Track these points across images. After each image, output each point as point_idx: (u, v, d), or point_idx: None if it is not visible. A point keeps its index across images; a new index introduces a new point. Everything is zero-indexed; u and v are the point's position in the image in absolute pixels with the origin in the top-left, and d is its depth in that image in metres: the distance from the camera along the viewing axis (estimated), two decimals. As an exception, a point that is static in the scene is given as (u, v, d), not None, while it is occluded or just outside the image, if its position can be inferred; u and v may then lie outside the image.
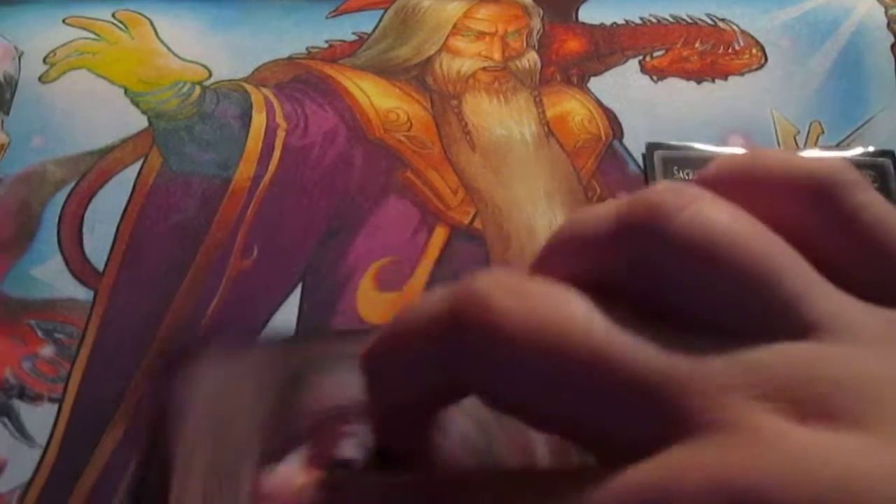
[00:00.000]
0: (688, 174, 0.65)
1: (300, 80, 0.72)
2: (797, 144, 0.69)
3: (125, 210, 0.65)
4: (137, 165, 0.67)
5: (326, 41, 0.74)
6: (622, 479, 0.18)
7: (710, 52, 0.74)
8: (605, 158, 0.68)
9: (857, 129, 0.70)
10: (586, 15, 0.76)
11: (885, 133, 0.69)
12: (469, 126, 0.69)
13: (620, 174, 0.67)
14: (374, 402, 0.23)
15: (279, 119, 0.69)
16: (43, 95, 0.72)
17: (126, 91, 0.72)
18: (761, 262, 0.19)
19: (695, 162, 0.66)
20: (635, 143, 0.68)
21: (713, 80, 0.73)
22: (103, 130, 0.69)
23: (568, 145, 0.69)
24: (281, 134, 0.69)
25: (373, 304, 0.61)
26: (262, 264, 0.63)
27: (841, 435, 0.17)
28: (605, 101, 0.71)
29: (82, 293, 0.62)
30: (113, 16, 0.75)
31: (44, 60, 0.73)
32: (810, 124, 0.70)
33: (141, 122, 0.70)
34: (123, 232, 0.64)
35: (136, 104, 0.71)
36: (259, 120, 0.69)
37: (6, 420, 0.57)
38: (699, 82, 0.72)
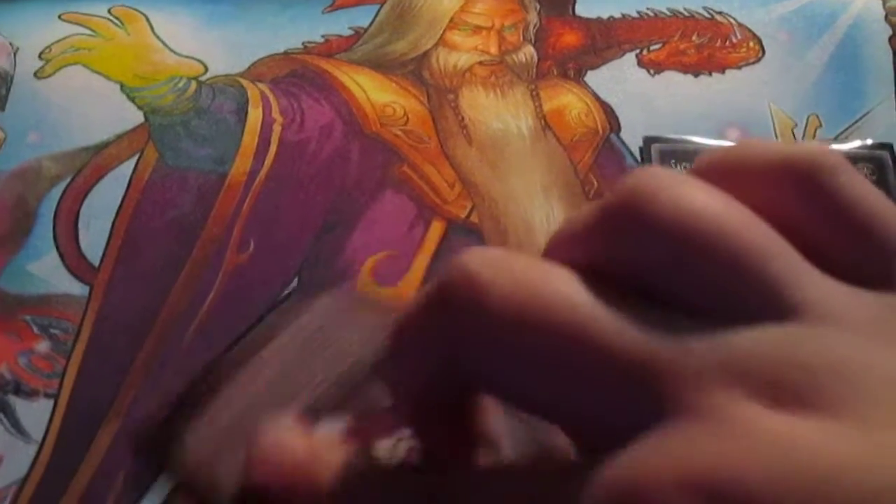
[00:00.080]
0: (685, 167, 0.65)
1: (296, 75, 0.72)
2: (795, 137, 0.69)
3: (121, 205, 0.65)
4: (133, 161, 0.67)
5: (323, 36, 0.74)
6: (595, 476, 0.18)
7: (707, 46, 0.74)
8: (603, 152, 0.68)
9: (855, 121, 0.69)
10: (583, 9, 0.76)
11: (882, 126, 0.69)
12: (466, 120, 0.69)
13: (618, 168, 0.67)
14: (398, 397, 0.23)
15: (275, 114, 0.69)
16: (38, 91, 0.72)
17: (122, 87, 0.71)
18: (742, 245, 0.19)
19: (692, 155, 0.66)
20: (632, 137, 0.68)
21: (710, 74, 0.72)
22: (99, 126, 0.69)
23: (565, 139, 0.68)
24: (277, 129, 0.68)
25: (369, 298, 0.61)
26: (258, 259, 0.63)
27: (814, 421, 0.17)
28: (602, 95, 0.71)
29: (78, 288, 0.62)
30: (109, 12, 0.75)
31: (39, 56, 0.73)
32: (808, 117, 0.69)
33: (137, 117, 0.70)
34: (119, 227, 0.64)
35: (132, 100, 0.71)
36: (255, 115, 0.69)
37: (2, 416, 0.57)
38: (696, 75, 0.72)
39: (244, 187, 0.66)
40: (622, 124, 0.69)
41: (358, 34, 0.74)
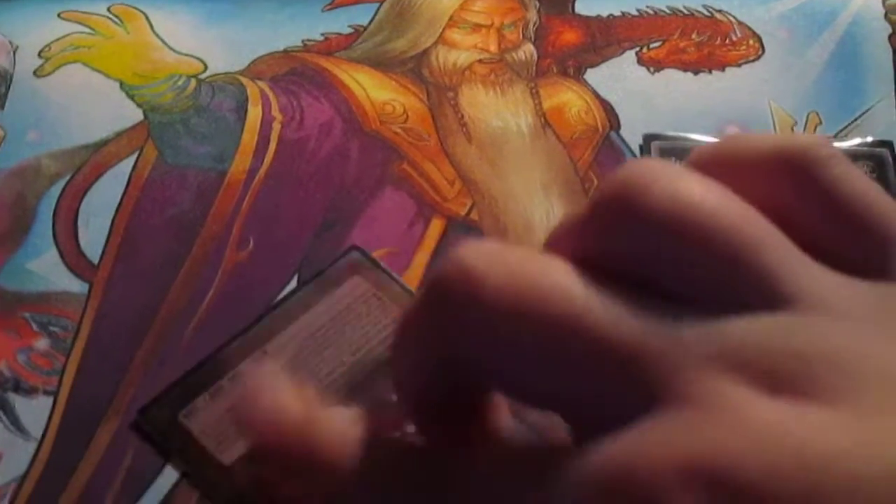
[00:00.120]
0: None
1: (296, 73, 0.72)
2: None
3: (120, 203, 0.65)
4: (132, 159, 0.67)
5: (322, 34, 0.74)
6: (591, 457, 0.18)
7: (707, 44, 0.74)
8: (602, 149, 0.68)
9: (855, 119, 0.69)
10: (583, 7, 0.76)
11: (882, 123, 0.69)
12: (465, 118, 0.69)
13: (617, 165, 0.67)
14: (400, 395, 0.23)
15: (275, 112, 0.69)
16: (38, 89, 0.72)
17: (121, 85, 0.71)
18: (734, 234, 0.19)
19: (692, 153, 0.66)
20: (632, 135, 0.68)
21: (710, 72, 0.72)
22: (98, 124, 0.69)
23: (564, 136, 0.68)
24: (277, 126, 0.68)
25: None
26: (258, 256, 0.63)
27: (809, 409, 0.17)
28: (602, 93, 0.71)
29: (77, 286, 0.62)
30: (108, 10, 0.75)
31: (39, 54, 0.73)
32: (808, 115, 0.69)
33: (136, 115, 0.70)
34: (118, 225, 0.64)
35: (132, 98, 0.71)
36: (255, 113, 0.69)
37: (1, 413, 0.57)
38: (696, 73, 0.72)
39: (244, 185, 0.66)
40: (622, 122, 0.69)
41: (357, 32, 0.74)
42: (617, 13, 0.76)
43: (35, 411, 0.57)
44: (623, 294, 0.19)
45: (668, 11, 0.75)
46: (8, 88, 0.71)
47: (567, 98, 0.71)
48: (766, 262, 0.19)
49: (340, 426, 0.22)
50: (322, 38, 0.74)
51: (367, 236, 0.63)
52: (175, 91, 0.71)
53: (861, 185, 0.21)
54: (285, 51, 0.73)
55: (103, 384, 0.58)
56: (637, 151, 0.67)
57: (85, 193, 0.66)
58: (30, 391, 0.58)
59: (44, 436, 0.57)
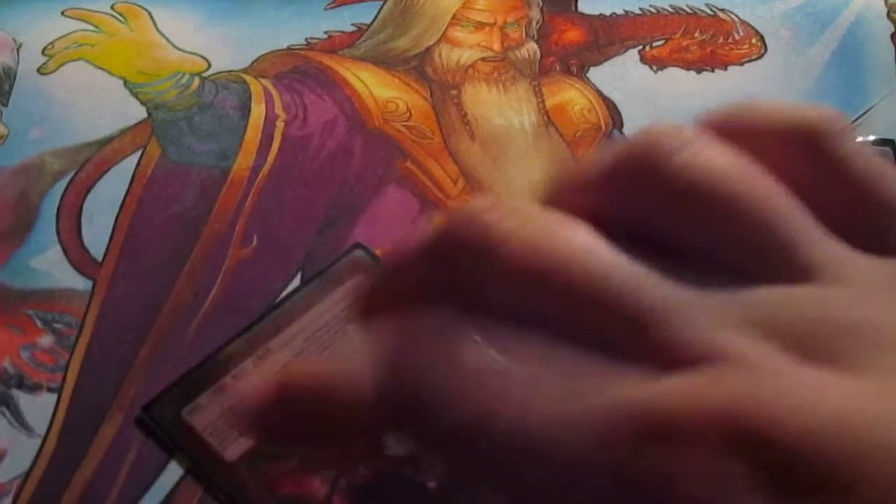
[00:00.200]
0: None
1: (299, 71, 0.72)
2: (797, 134, 0.69)
3: (124, 200, 0.65)
4: (136, 156, 0.67)
5: (325, 32, 0.74)
6: (622, 393, 0.18)
7: (709, 42, 0.74)
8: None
9: (858, 118, 0.69)
10: (586, 5, 0.76)
11: (885, 122, 0.69)
12: (468, 116, 0.69)
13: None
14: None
15: (278, 109, 0.69)
16: (42, 87, 0.72)
17: (125, 82, 0.71)
18: (761, 205, 0.19)
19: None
20: (635, 133, 0.68)
21: (713, 70, 0.72)
22: (102, 121, 0.69)
23: (567, 135, 0.68)
24: (280, 124, 0.68)
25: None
26: (261, 254, 0.63)
27: (840, 376, 0.17)
28: (605, 91, 0.71)
29: (81, 283, 0.62)
30: (112, 7, 0.75)
31: (42, 52, 0.73)
32: (810, 114, 0.69)
33: (140, 113, 0.70)
34: (122, 222, 0.64)
35: (136, 95, 0.71)
36: (258, 110, 0.69)
37: (5, 410, 0.57)
38: (699, 72, 0.72)
39: (247, 182, 0.66)
40: (625, 120, 0.69)
41: (361, 30, 0.74)
42: (620, 12, 0.76)
43: (39, 408, 0.57)
44: (647, 257, 0.19)
45: (670, 10, 0.76)
46: (11, 86, 0.71)
47: (570, 96, 0.71)
48: (791, 233, 0.19)
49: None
50: (325, 36, 0.74)
51: (370, 234, 0.63)
52: (179, 89, 0.71)
53: (871, 161, 0.21)
54: (289, 49, 0.73)
55: (107, 381, 0.58)
56: (640, 150, 0.67)
57: (88, 191, 0.66)
58: (34, 388, 0.58)
59: (48, 432, 0.57)
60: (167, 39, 0.74)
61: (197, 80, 0.71)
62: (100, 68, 0.72)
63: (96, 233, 0.64)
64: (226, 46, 0.73)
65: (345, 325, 0.31)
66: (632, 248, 0.19)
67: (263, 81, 0.71)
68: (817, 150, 0.21)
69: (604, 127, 0.69)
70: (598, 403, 0.18)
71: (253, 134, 0.68)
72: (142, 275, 0.62)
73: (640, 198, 0.20)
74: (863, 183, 0.21)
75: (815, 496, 0.16)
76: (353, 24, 0.75)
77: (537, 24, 0.75)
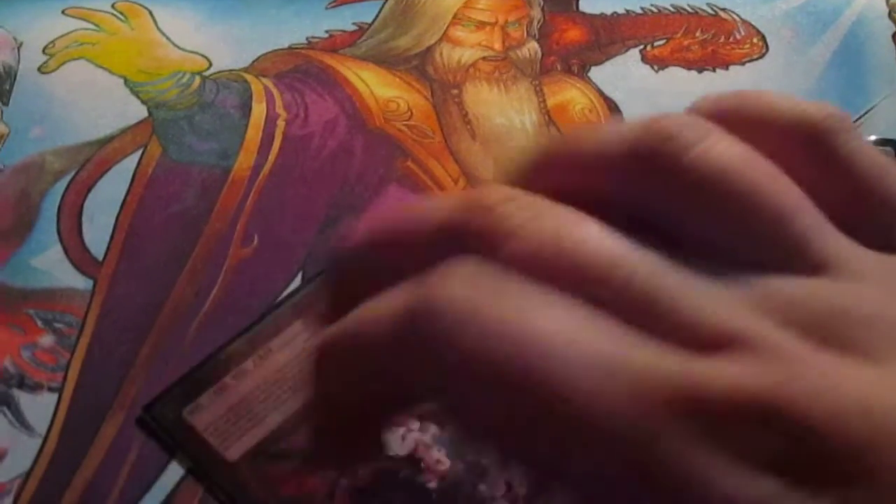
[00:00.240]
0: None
1: (300, 70, 0.72)
2: (798, 133, 0.69)
3: (124, 200, 0.65)
4: (137, 155, 0.67)
5: (326, 31, 0.74)
6: (662, 368, 0.18)
7: (711, 42, 0.74)
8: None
9: (859, 118, 0.69)
10: (587, 4, 0.76)
11: (886, 121, 0.69)
12: (469, 115, 0.69)
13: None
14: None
15: (279, 109, 0.69)
16: (42, 86, 0.72)
17: (126, 81, 0.71)
18: (776, 198, 0.20)
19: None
20: (636, 133, 0.68)
21: (714, 70, 0.72)
22: (103, 121, 0.69)
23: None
24: (281, 124, 0.68)
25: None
26: (262, 253, 0.63)
27: (859, 365, 0.18)
28: (606, 91, 0.71)
29: (82, 282, 0.62)
30: (112, 6, 0.75)
31: (43, 51, 0.73)
32: (811, 113, 0.69)
33: (140, 112, 0.70)
34: (123, 221, 0.64)
35: (136, 94, 0.71)
36: (259, 110, 0.69)
37: (6, 409, 0.57)
38: (700, 72, 0.72)
39: (248, 182, 0.66)
40: (626, 120, 0.69)
41: (362, 29, 0.74)
42: (621, 11, 0.76)
43: (39, 407, 0.57)
44: (659, 248, 0.19)
45: (672, 9, 0.76)
46: (12, 85, 0.71)
47: (571, 96, 0.71)
48: (804, 227, 0.20)
49: None
50: (326, 36, 0.74)
51: (371, 233, 0.63)
52: (179, 88, 0.71)
53: (876, 158, 0.21)
54: (290, 48, 0.73)
55: (108, 380, 0.58)
56: (641, 149, 0.67)
57: (89, 190, 0.66)
58: (34, 387, 0.58)
59: (48, 432, 0.57)
60: (168, 38, 0.73)
61: (198, 79, 0.71)
62: (100, 67, 0.72)
63: (97, 232, 0.64)
64: (227, 45, 0.73)
65: None
66: (645, 241, 0.19)
67: (264, 80, 0.71)
68: (821, 147, 0.21)
69: (605, 126, 0.69)
70: (633, 368, 0.18)
71: (254, 133, 0.68)
72: (142, 274, 0.62)
73: (653, 189, 0.20)
74: (866, 180, 0.21)
75: (838, 480, 0.16)
76: (354, 24, 0.75)
77: (538, 23, 0.75)
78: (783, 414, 0.17)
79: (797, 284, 0.19)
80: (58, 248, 0.63)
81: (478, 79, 0.71)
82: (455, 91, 0.71)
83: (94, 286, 0.62)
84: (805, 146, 0.21)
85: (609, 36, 0.74)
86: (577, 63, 0.73)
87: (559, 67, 0.72)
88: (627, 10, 0.76)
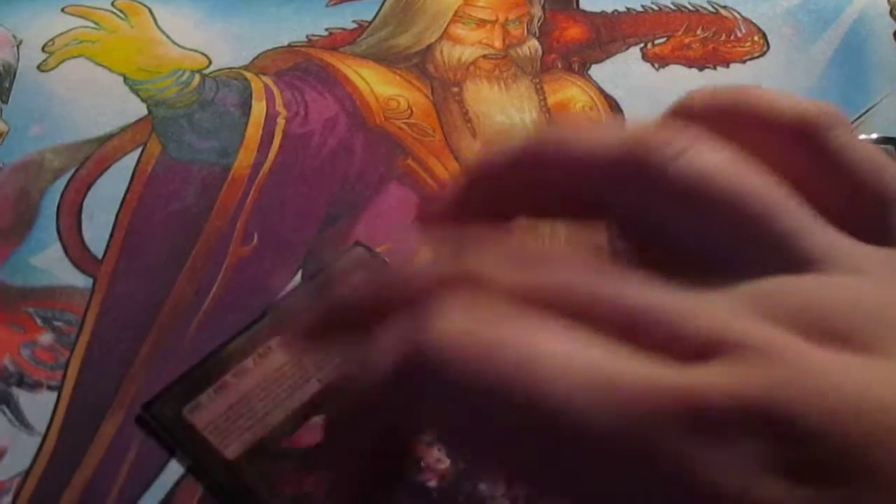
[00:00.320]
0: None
1: (300, 68, 0.72)
2: (799, 132, 0.69)
3: (124, 198, 0.65)
4: (136, 153, 0.67)
5: (326, 29, 0.74)
6: (655, 373, 0.18)
7: (711, 40, 0.74)
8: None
9: (860, 116, 0.69)
10: (588, 2, 0.76)
11: (887, 120, 0.69)
12: (470, 113, 0.69)
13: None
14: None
15: (279, 107, 0.69)
16: (42, 84, 0.72)
17: (125, 79, 0.71)
18: (756, 198, 0.20)
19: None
20: (637, 131, 0.68)
21: (715, 68, 0.72)
22: (102, 118, 0.69)
23: (569, 132, 0.68)
24: (281, 122, 0.68)
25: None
26: (262, 251, 0.63)
27: (856, 357, 0.18)
28: (607, 89, 0.71)
29: (81, 281, 0.62)
30: (112, 4, 0.75)
31: (42, 49, 0.73)
32: (812, 111, 0.69)
33: (140, 110, 0.70)
34: (122, 219, 0.64)
35: (136, 92, 0.71)
36: (259, 108, 0.69)
37: (5, 408, 0.57)
38: (701, 69, 0.72)
39: (248, 180, 0.65)
40: (626, 118, 0.69)
41: (362, 27, 0.74)
42: (622, 9, 0.76)
43: (39, 406, 0.57)
44: (627, 250, 0.20)
45: (672, 7, 0.75)
46: (12, 83, 0.71)
47: (572, 94, 0.71)
48: (786, 225, 0.20)
49: None
50: (326, 33, 0.74)
51: (370, 232, 0.63)
52: (179, 86, 0.71)
53: (867, 152, 0.21)
54: (289, 46, 0.73)
55: (107, 379, 0.58)
56: (641, 147, 0.67)
57: (89, 188, 0.66)
58: (34, 386, 0.58)
59: (48, 431, 0.57)
60: (167, 36, 0.73)
61: (197, 77, 0.71)
62: (100, 65, 0.72)
63: (97, 230, 0.64)
64: (226, 43, 0.73)
65: None
66: (630, 265, 0.20)
67: (264, 78, 0.71)
68: (814, 143, 0.21)
69: (605, 124, 0.69)
70: (630, 384, 0.18)
71: (254, 131, 0.68)
72: (142, 272, 0.62)
73: (640, 199, 0.21)
74: (860, 175, 0.21)
75: (839, 479, 0.16)
76: (354, 21, 0.75)
77: (539, 21, 0.75)
78: (780, 417, 0.17)
79: (786, 282, 0.19)
80: (57, 246, 0.63)
81: (478, 77, 0.71)
82: (455, 89, 0.70)
83: (94, 284, 0.61)
84: (799, 143, 0.21)
85: (610, 34, 0.74)
86: (578, 61, 0.73)
87: (560, 65, 0.72)
88: (628, 8, 0.76)
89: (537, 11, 0.75)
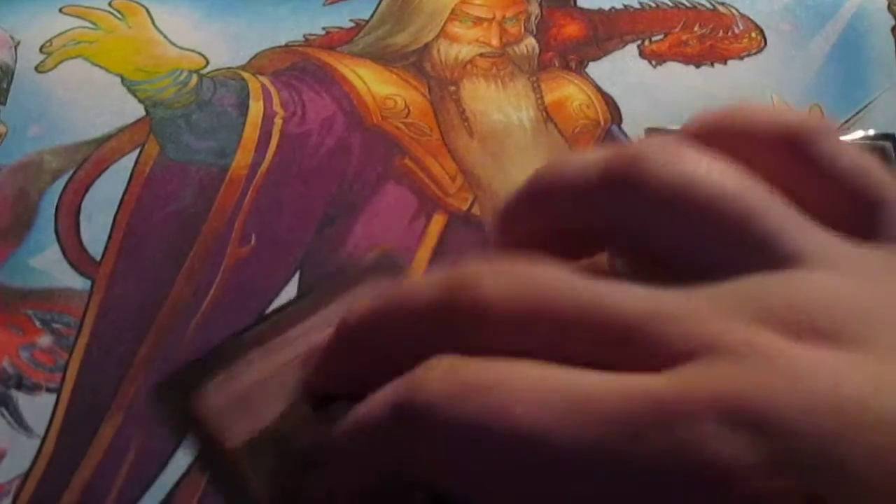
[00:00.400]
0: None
1: (297, 68, 0.72)
2: (797, 128, 0.69)
3: (122, 199, 0.65)
4: (134, 154, 0.67)
5: (324, 28, 0.74)
6: (627, 385, 0.18)
7: (709, 36, 0.74)
8: (604, 143, 0.68)
9: (858, 112, 0.69)
10: (585, 0, 0.76)
11: (885, 116, 0.69)
12: (467, 112, 0.69)
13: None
14: (346, 373, 0.24)
15: (276, 107, 0.69)
16: (40, 85, 0.72)
17: (123, 80, 0.71)
18: (739, 201, 0.20)
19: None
20: (634, 128, 0.68)
21: (712, 65, 0.72)
22: (100, 119, 0.69)
23: (566, 130, 0.68)
24: (278, 121, 0.68)
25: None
26: (260, 252, 0.63)
27: (834, 352, 0.18)
28: (604, 86, 0.71)
29: (80, 282, 0.62)
30: (109, 5, 0.75)
31: (40, 50, 0.73)
32: (810, 108, 0.69)
33: (138, 110, 0.70)
34: (121, 221, 0.64)
35: (134, 93, 0.71)
36: (256, 108, 0.69)
37: (4, 410, 0.57)
38: (698, 66, 0.72)
39: (245, 180, 0.66)
40: (624, 115, 0.69)
41: (359, 26, 0.74)
42: (619, 6, 0.75)
43: (38, 408, 0.57)
44: (631, 275, 0.20)
45: (670, 4, 0.75)
46: (10, 84, 0.71)
47: (569, 92, 0.71)
48: (770, 224, 0.20)
49: None
50: (323, 33, 0.74)
51: (368, 232, 0.63)
52: (177, 86, 0.71)
53: (857, 156, 0.21)
54: (287, 45, 0.73)
55: (106, 381, 0.58)
56: (639, 145, 0.67)
57: (87, 189, 0.66)
58: (33, 388, 0.58)
59: (47, 433, 0.57)
60: (165, 36, 0.73)
61: (195, 78, 0.71)
62: (98, 66, 0.72)
63: (95, 231, 0.64)
64: (224, 43, 0.73)
65: None
66: (615, 270, 0.20)
67: (261, 78, 0.71)
68: (800, 149, 0.22)
69: (602, 122, 0.69)
70: (601, 398, 0.18)
71: (251, 131, 0.68)
72: (141, 273, 0.62)
73: (627, 210, 0.21)
74: (846, 178, 0.21)
75: (813, 472, 0.17)
76: (351, 20, 0.75)
77: (536, 19, 0.74)
78: (755, 414, 0.17)
79: (766, 280, 0.19)
80: (56, 247, 0.63)
81: (475, 75, 0.71)
82: (452, 88, 0.70)
83: (93, 286, 0.62)
84: (786, 151, 0.22)
85: (607, 31, 0.74)
86: (575, 59, 0.73)
87: (557, 63, 0.72)
88: (625, 5, 0.75)
89: (534, 9, 0.75)
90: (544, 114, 0.69)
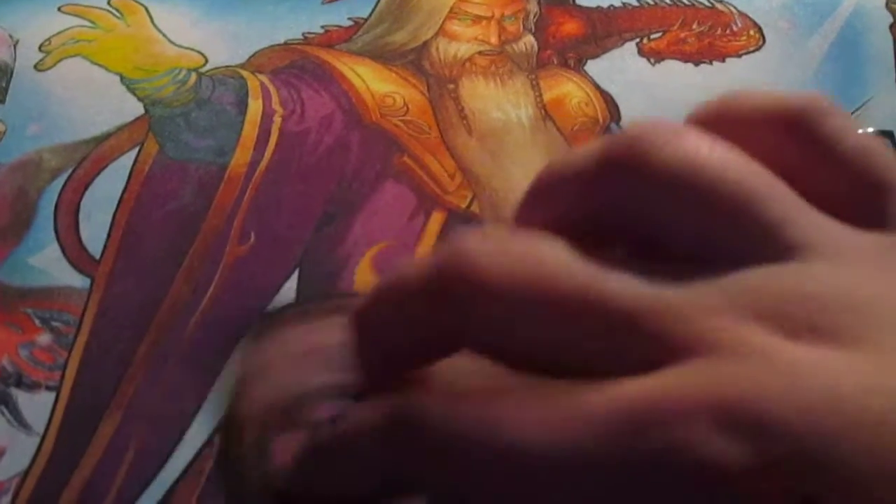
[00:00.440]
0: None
1: (296, 66, 0.72)
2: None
3: (121, 197, 0.65)
4: (133, 153, 0.67)
5: (322, 26, 0.74)
6: (616, 390, 0.18)
7: (707, 34, 0.74)
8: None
9: (856, 109, 0.69)
10: (583, -2, 0.76)
11: (883, 114, 0.69)
12: (466, 110, 0.69)
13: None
14: (361, 359, 0.23)
15: (275, 105, 0.69)
16: (39, 83, 0.72)
17: (122, 78, 0.71)
18: (740, 189, 0.20)
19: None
20: (633, 126, 0.68)
21: (711, 62, 0.72)
22: (99, 118, 0.69)
23: (565, 128, 0.68)
24: (277, 120, 0.68)
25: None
26: (259, 250, 0.63)
27: (830, 351, 0.18)
28: (603, 84, 0.71)
29: (79, 281, 0.62)
30: (108, 3, 0.75)
31: (39, 48, 0.73)
32: (809, 106, 0.69)
33: (137, 109, 0.70)
34: (120, 219, 0.64)
35: (133, 91, 0.71)
36: (255, 106, 0.69)
37: (4, 408, 0.58)
38: (697, 64, 0.72)
39: (244, 179, 0.66)
40: (622, 113, 0.69)
41: (358, 24, 0.74)
42: (618, 4, 0.75)
43: (37, 406, 0.57)
44: (629, 260, 0.19)
45: (669, 2, 0.75)
46: (8, 82, 0.71)
47: (567, 90, 0.71)
48: (771, 212, 0.20)
49: None
50: (322, 31, 0.74)
51: (367, 229, 0.63)
52: (176, 85, 0.71)
53: (860, 137, 0.21)
54: (286, 44, 0.73)
55: (105, 379, 0.58)
56: (638, 143, 0.67)
57: (86, 188, 0.66)
58: (32, 386, 0.58)
59: (46, 431, 0.57)
60: (164, 35, 0.73)
61: (194, 76, 0.71)
62: (97, 64, 0.72)
63: (94, 230, 0.64)
64: (223, 42, 0.73)
65: None
66: (614, 255, 0.20)
67: (260, 77, 0.71)
68: (803, 131, 0.21)
69: (601, 120, 0.69)
70: (593, 402, 0.18)
71: (250, 129, 0.68)
72: (140, 272, 0.62)
73: (628, 191, 0.21)
74: (851, 161, 0.21)
75: (812, 472, 0.17)
76: (349, 19, 0.75)
77: (535, 16, 0.74)
78: (752, 414, 0.17)
79: (766, 274, 0.19)
80: (55, 246, 0.63)
81: (474, 73, 0.71)
82: (451, 86, 0.70)
83: (92, 284, 0.62)
84: (788, 133, 0.21)
85: (605, 29, 0.74)
86: (574, 57, 0.73)
87: (555, 61, 0.72)
88: (624, 3, 0.75)
89: (533, 7, 0.75)
90: (543, 112, 0.69)
